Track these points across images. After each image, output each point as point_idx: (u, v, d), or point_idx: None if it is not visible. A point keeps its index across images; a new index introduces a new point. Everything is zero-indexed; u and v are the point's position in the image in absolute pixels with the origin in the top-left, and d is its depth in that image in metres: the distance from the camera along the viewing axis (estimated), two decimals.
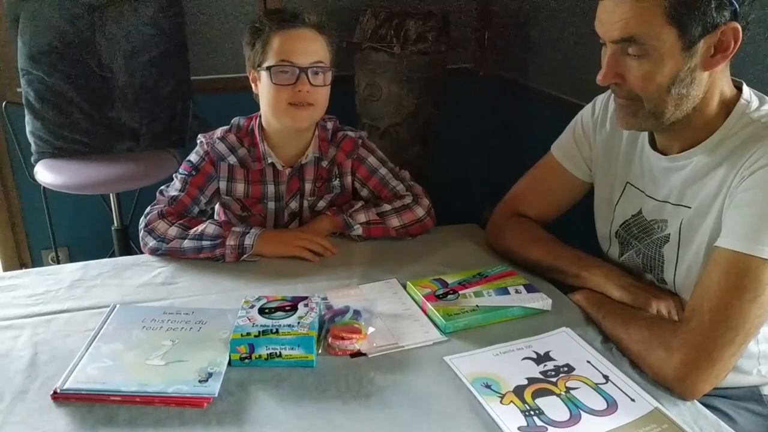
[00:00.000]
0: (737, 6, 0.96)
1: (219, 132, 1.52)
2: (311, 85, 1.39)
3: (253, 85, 1.48)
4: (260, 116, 1.51)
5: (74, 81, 2.28)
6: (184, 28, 2.44)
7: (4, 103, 2.35)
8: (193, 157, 1.52)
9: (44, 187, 2.26)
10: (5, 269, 2.67)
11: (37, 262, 2.72)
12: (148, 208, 1.47)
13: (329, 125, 1.56)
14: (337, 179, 1.57)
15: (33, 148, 2.32)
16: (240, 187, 1.52)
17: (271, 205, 1.55)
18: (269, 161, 1.50)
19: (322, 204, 1.57)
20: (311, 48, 1.40)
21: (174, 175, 1.53)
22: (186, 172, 1.50)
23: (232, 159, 1.50)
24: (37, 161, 2.31)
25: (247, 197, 1.53)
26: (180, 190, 1.48)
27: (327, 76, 1.43)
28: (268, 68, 1.39)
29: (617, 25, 1.00)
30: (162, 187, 1.52)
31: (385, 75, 2.53)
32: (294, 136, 1.50)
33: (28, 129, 2.30)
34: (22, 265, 2.70)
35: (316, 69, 1.39)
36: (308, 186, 1.55)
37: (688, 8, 0.95)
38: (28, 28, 2.24)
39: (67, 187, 2.19)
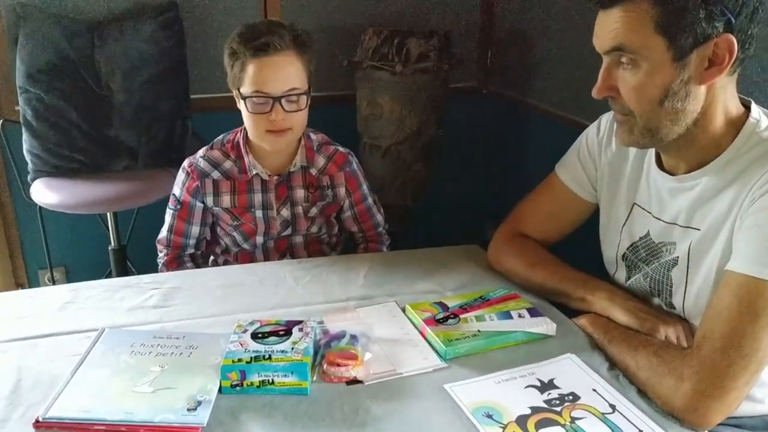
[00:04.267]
0: (731, 17, 0.93)
1: (201, 152, 1.57)
2: (286, 111, 1.41)
3: (236, 101, 1.49)
4: (245, 129, 1.53)
5: (72, 99, 2.26)
6: (183, 47, 2.42)
7: (1, 122, 2.34)
8: (176, 189, 1.58)
9: (40, 207, 2.23)
10: (1, 289, 2.64)
11: (33, 282, 2.68)
12: (158, 260, 1.62)
13: (314, 136, 1.60)
14: (330, 189, 1.60)
15: (30, 166, 2.29)
16: (226, 199, 1.55)
17: (259, 213, 1.57)
18: (254, 172, 1.53)
19: (314, 211, 1.60)
20: (285, 75, 1.40)
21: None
22: (172, 207, 1.58)
23: (215, 174, 1.54)
24: (33, 180, 2.29)
25: (235, 207, 1.56)
26: (169, 230, 1.59)
27: (302, 101, 1.44)
28: (244, 98, 1.42)
29: (608, 36, 0.99)
30: (159, 236, 1.61)
31: (387, 94, 2.51)
32: (276, 151, 1.53)
33: (25, 147, 2.28)
34: (19, 286, 2.66)
35: (290, 97, 1.41)
36: (300, 193, 1.57)
37: (676, 18, 0.93)
38: (27, 46, 2.23)
39: (63, 206, 2.16)
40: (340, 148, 1.62)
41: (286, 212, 1.57)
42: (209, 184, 1.54)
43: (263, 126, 1.43)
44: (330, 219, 1.65)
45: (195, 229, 1.58)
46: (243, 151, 1.53)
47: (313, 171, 1.57)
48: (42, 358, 1.08)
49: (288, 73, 1.40)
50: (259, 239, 1.60)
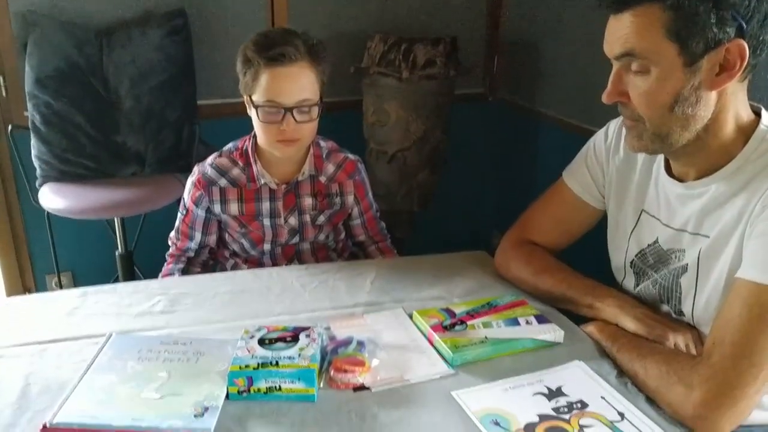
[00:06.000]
0: (742, 22, 0.92)
1: (210, 159, 1.57)
2: (297, 122, 1.40)
3: (247, 107, 1.49)
4: (254, 136, 1.53)
5: (80, 105, 2.27)
6: (191, 53, 2.43)
7: (9, 127, 2.35)
8: (185, 194, 1.60)
9: (48, 212, 2.24)
10: (9, 294, 2.64)
11: (41, 286, 2.69)
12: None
13: (323, 143, 1.60)
14: (338, 197, 1.59)
15: (38, 171, 2.30)
16: (234, 207, 1.55)
17: (267, 221, 1.57)
18: (263, 182, 1.53)
19: (322, 219, 1.60)
20: (298, 86, 1.39)
21: None
22: (181, 210, 1.61)
23: (222, 182, 1.54)
24: (41, 185, 2.30)
25: (242, 214, 1.56)
26: (176, 230, 1.62)
27: (313, 112, 1.44)
28: (256, 106, 1.41)
29: (618, 41, 0.99)
30: (171, 233, 1.64)
31: (393, 100, 2.51)
32: (287, 158, 1.52)
33: (33, 153, 2.29)
34: (26, 290, 2.67)
35: (302, 108, 1.40)
36: (308, 201, 1.57)
37: (686, 23, 0.93)
38: (35, 52, 2.24)
39: (71, 211, 2.17)
40: (350, 156, 1.62)
41: (293, 220, 1.57)
42: (216, 192, 1.54)
43: (273, 135, 1.43)
44: (337, 226, 1.65)
45: (197, 236, 1.60)
46: (252, 159, 1.53)
47: (322, 179, 1.57)
48: (50, 363, 1.08)
49: (301, 84, 1.40)
50: (267, 246, 1.60)
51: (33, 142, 2.28)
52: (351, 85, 2.65)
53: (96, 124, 2.29)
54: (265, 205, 1.55)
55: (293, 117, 1.40)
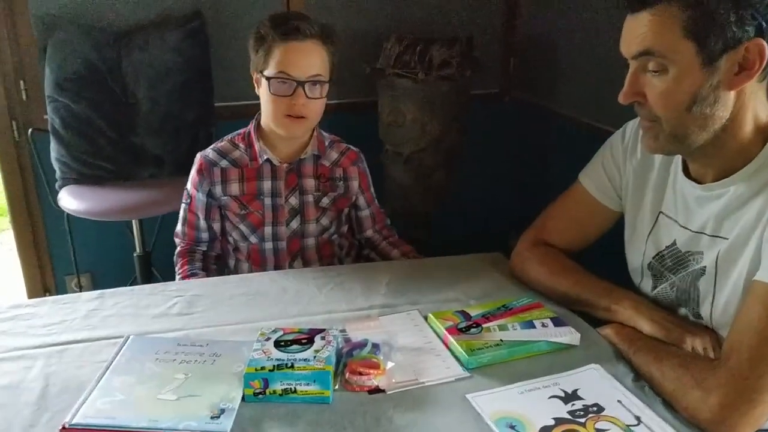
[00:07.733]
0: (762, 21, 0.91)
1: (211, 145, 1.62)
2: (307, 97, 1.44)
3: (255, 86, 1.53)
4: (258, 117, 1.57)
5: (99, 108, 2.29)
6: (208, 55, 2.45)
7: (30, 130, 2.38)
8: (188, 184, 1.61)
9: (68, 213, 2.26)
10: (29, 295, 2.68)
11: (60, 287, 2.72)
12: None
13: (327, 134, 1.64)
14: (342, 181, 1.62)
15: (57, 174, 2.33)
16: (234, 187, 1.56)
17: (268, 201, 1.57)
18: (265, 158, 1.54)
19: (326, 201, 1.61)
20: (310, 61, 1.44)
21: None
22: (184, 201, 1.63)
23: (223, 163, 1.56)
24: (61, 187, 2.33)
25: (243, 195, 1.57)
26: (182, 223, 1.64)
27: (324, 89, 1.48)
28: (268, 79, 1.44)
29: (636, 40, 0.98)
30: (176, 230, 1.66)
31: (409, 101, 2.51)
32: (291, 137, 1.55)
33: (53, 155, 2.32)
34: (46, 291, 2.70)
35: (313, 82, 1.44)
36: (310, 182, 1.59)
37: (705, 22, 0.92)
38: (55, 56, 2.27)
39: (90, 213, 2.19)
40: (352, 147, 1.66)
41: (294, 200, 1.58)
42: (217, 173, 1.55)
43: (283, 110, 1.45)
44: (341, 216, 1.65)
45: (202, 223, 1.61)
46: (254, 138, 1.55)
47: (326, 162, 1.61)
48: (69, 364, 1.10)
49: (314, 59, 1.44)
50: (267, 230, 1.58)
51: (53, 144, 2.31)
52: (366, 86, 2.65)
53: (114, 126, 2.32)
54: (267, 184, 1.56)
55: (304, 91, 1.43)
